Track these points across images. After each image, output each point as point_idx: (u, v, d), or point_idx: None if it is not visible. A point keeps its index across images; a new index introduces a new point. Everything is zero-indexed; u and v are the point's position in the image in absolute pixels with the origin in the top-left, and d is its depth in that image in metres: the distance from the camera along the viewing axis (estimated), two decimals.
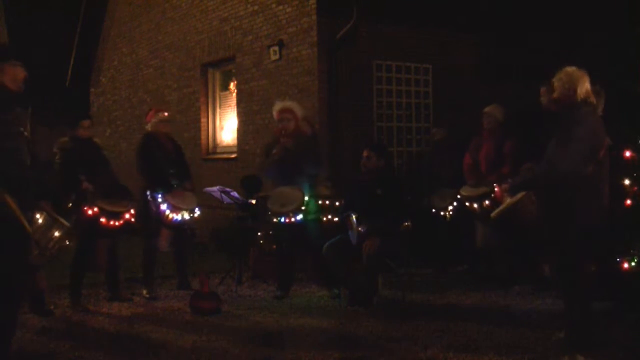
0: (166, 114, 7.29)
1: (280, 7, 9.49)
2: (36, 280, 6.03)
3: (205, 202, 7.85)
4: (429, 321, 5.74)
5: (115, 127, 14.06)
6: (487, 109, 7.40)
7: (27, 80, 4.67)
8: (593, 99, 4.76)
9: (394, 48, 9.49)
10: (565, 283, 4.79)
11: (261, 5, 9.88)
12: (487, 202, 6.90)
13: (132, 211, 6.49)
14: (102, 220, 6.25)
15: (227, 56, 10.74)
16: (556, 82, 4.80)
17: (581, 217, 4.63)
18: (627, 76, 6.90)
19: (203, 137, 11.39)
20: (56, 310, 6.33)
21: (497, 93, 8.48)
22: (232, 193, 7.59)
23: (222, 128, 11.39)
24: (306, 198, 6.65)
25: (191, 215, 6.95)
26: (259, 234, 7.78)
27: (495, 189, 6.67)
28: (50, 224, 5.11)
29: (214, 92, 11.48)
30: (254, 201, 7.79)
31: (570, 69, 4.78)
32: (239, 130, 10.54)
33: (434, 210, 7.73)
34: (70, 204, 6.22)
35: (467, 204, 7.21)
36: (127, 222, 6.45)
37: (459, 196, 7.34)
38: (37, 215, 4.95)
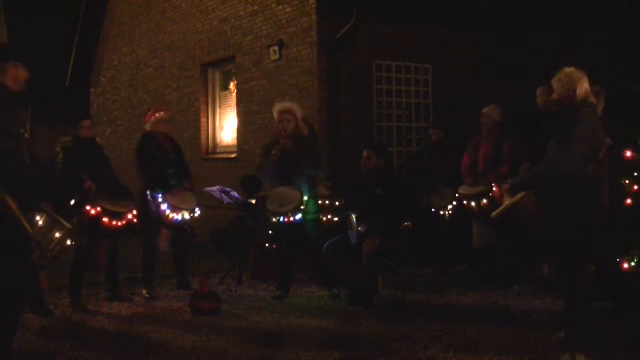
0: (164, 113, 7.29)
1: (280, 7, 9.49)
2: (37, 281, 6.03)
3: (205, 202, 7.85)
4: (429, 321, 5.74)
5: (115, 127, 14.06)
6: (485, 110, 7.41)
7: (28, 81, 4.67)
8: (593, 99, 4.76)
9: (394, 48, 9.49)
10: (565, 283, 4.79)
11: (261, 5, 9.88)
12: (485, 201, 6.92)
13: (135, 212, 6.49)
14: (105, 220, 6.25)
15: (227, 56, 10.74)
16: (555, 83, 4.80)
17: (581, 217, 4.63)
18: (627, 76, 6.90)
19: (203, 137, 11.39)
20: (56, 310, 6.33)
21: (497, 93, 8.49)
22: (232, 193, 7.59)
23: (222, 128, 11.39)
24: (305, 198, 6.66)
25: (191, 215, 6.95)
26: (259, 234, 7.77)
27: (494, 188, 6.69)
28: (51, 225, 5.11)
29: (214, 92, 11.48)
30: (254, 201, 7.79)
31: (570, 69, 4.78)
32: (239, 130, 10.54)
33: (433, 210, 7.73)
34: (73, 203, 6.22)
35: (464, 202, 7.22)
36: (129, 222, 6.46)
37: (457, 195, 7.34)
38: (38, 217, 4.95)
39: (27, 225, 4.43)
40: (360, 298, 6.26)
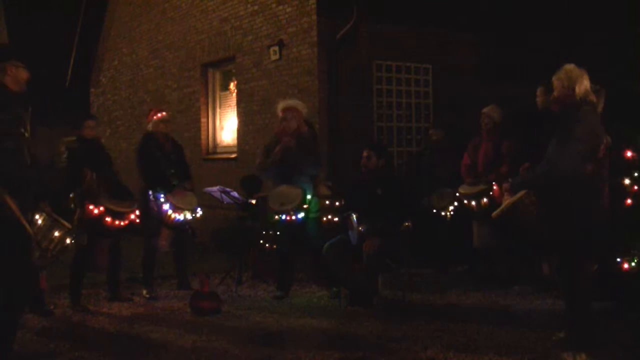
0: (165, 114, 7.29)
1: (280, 7, 9.49)
2: (37, 281, 6.03)
3: (205, 202, 7.85)
4: (429, 321, 5.74)
5: (115, 127, 14.06)
6: (485, 110, 7.42)
7: (29, 81, 4.67)
8: (592, 98, 4.73)
9: (394, 48, 9.49)
10: (565, 283, 4.79)
11: (261, 5, 9.88)
12: (485, 200, 6.91)
13: (137, 212, 6.50)
14: (107, 219, 6.25)
15: (227, 56, 10.75)
16: (555, 80, 4.79)
17: (580, 217, 4.63)
18: (627, 76, 6.90)
19: (203, 137, 11.40)
20: (56, 310, 6.33)
21: (497, 93, 8.48)
22: (232, 193, 7.59)
23: (222, 128, 11.39)
24: (308, 197, 6.66)
25: (193, 215, 6.96)
26: (259, 234, 7.77)
27: (494, 187, 6.69)
28: (51, 225, 5.11)
29: (214, 92, 11.48)
30: (254, 201, 7.79)
31: (569, 66, 4.77)
32: (239, 130, 10.54)
33: (434, 210, 7.73)
34: (72, 200, 6.22)
35: (465, 202, 7.21)
36: (131, 222, 6.46)
37: (457, 194, 7.34)
38: (37, 217, 4.95)
39: (27, 225, 4.43)
40: (360, 298, 6.25)
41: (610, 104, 5.29)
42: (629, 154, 5.64)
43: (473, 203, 7.11)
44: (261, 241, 7.74)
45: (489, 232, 7.06)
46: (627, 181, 5.60)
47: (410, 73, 9.72)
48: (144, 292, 6.95)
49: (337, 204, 7.28)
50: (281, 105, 7.06)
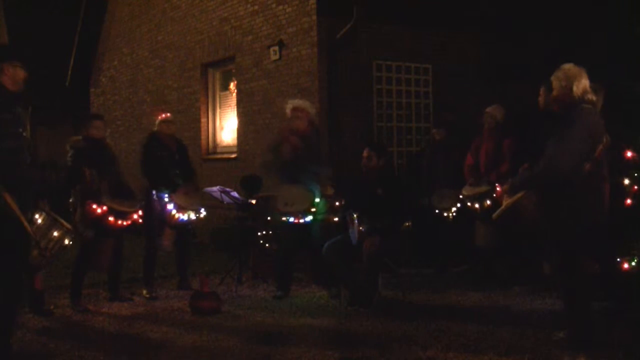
0: (167, 115, 7.29)
1: (280, 7, 9.49)
2: (33, 281, 6.03)
3: (206, 202, 7.84)
4: (429, 321, 5.73)
5: (115, 127, 14.06)
6: (488, 109, 7.42)
7: (27, 81, 4.68)
8: (591, 97, 4.70)
9: (394, 48, 9.49)
10: (565, 283, 4.78)
11: (261, 5, 9.88)
12: (488, 201, 6.90)
13: (140, 212, 6.50)
14: (110, 219, 6.26)
15: (227, 56, 10.75)
16: (554, 80, 4.78)
17: (578, 216, 4.61)
18: (627, 76, 6.90)
19: (203, 137, 11.40)
20: (56, 310, 6.33)
21: (497, 93, 8.49)
22: (232, 193, 7.59)
23: (222, 128, 11.40)
24: (317, 200, 6.67)
25: (197, 215, 6.97)
26: (259, 234, 7.77)
27: (497, 188, 6.68)
28: (50, 224, 5.12)
29: (214, 92, 11.49)
30: (254, 201, 7.79)
31: (568, 65, 4.76)
32: (239, 130, 10.55)
33: (437, 210, 7.71)
34: (75, 196, 6.22)
35: (468, 203, 7.21)
36: (134, 222, 6.46)
37: (460, 196, 7.33)
38: (37, 216, 4.96)
39: (26, 224, 4.44)
40: (360, 298, 6.26)
41: (610, 104, 5.29)
42: (629, 154, 5.64)
43: (476, 205, 7.09)
44: (261, 241, 7.74)
45: (492, 233, 7.06)
46: (627, 181, 5.60)
47: (410, 73, 9.72)
48: (144, 292, 6.96)
49: (337, 204, 7.28)
50: (290, 104, 7.06)
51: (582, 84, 4.69)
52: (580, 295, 4.74)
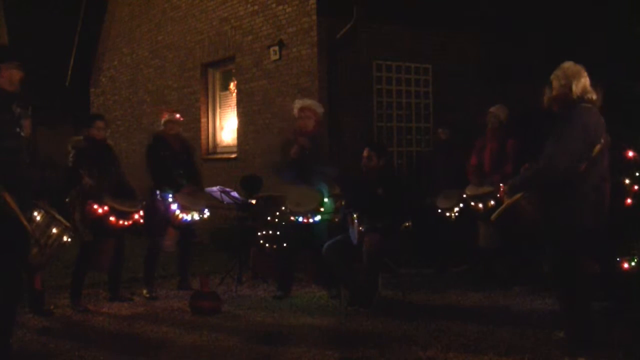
0: (172, 115, 7.27)
1: (280, 7, 9.49)
2: (35, 281, 6.03)
3: (206, 202, 7.85)
4: (429, 321, 5.74)
5: (115, 127, 14.04)
6: (492, 109, 7.42)
7: (24, 80, 4.69)
8: (591, 96, 4.66)
9: (394, 48, 9.49)
10: (564, 283, 4.77)
11: (261, 5, 9.88)
12: (492, 202, 6.88)
13: (141, 212, 6.50)
14: (112, 219, 6.26)
15: (227, 56, 10.75)
16: (553, 79, 4.77)
17: (576, 216, 4.59)
18: (627, 76, 6.90)
19: (203, 137, 11.40)
20: (56, 310, 6.33)
21: (497, 93, 8.49)
22: (232, 193, 7.59)
23: (222, 128, 11.40)
24: (325, 200, 6.66)
25: (200, 215, 6.97)
26: (259, 234, 7.77)
27: (501, 188, 6.68)
28: (48, 222, 5.12)
29: (214, 92, 11.49)
30: (254, 201, 7.79)
31: (567, 64, 4.73)
32: (239, 130, 10.55)
33: (439, 210, 7.70)
34: (72, 198, 6.22)
35: (472, 203, 7.19)
36: (135, 222, 6.46)
37: (464, 196, 7.32)
38: (35, 214, 4.96)
39: (26, 223, 4.45)
40: (360, 298, 6.26)
41: (610, 104, 5.28)
42: (630, 153, 5.63)
43: (480, 205, 7.08)
44: (261, 241, 7.74)
45: (493, 233, 7.05)
46: (627, 181, 5.59)
47: (410, 73, 9.72)
48: (144, 291, 6.96)
49: (336, 204, 7.27)
50: (297, 104, 7.05)
51: (582, 82, 4.66)
52: (580, 295, 4.73)
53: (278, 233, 7.45)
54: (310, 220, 6.61)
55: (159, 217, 6.84)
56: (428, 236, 7.91)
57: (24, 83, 4.68)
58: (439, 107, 9.74)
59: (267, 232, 7.62)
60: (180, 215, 6.82)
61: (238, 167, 10.26)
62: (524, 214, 4.92)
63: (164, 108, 10.59)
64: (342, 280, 6.51)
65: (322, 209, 6.65)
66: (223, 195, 7.55)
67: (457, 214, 7.59)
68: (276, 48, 9.47)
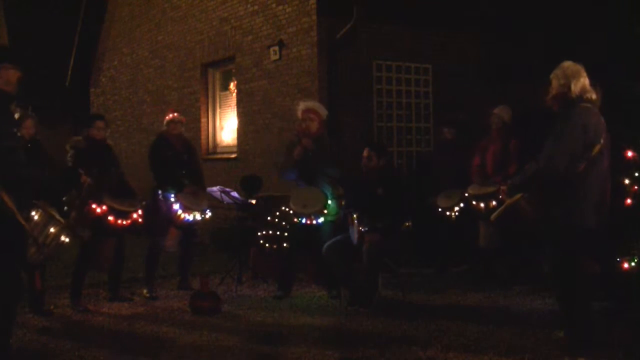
0: (175, 115, 7.26)
1: (280, 7, 9.49)
2: (34, 281, 6.03)
3: (207, 202, 7.85)
4: (429, 321, 5.74)
5: (115, 127, 14.04)
6: (495, 110, 7.42)
7: (24, 81, 4.70)
8: (591, 95, 4.65)
9: (394, 48, 9.49)
10: (564, 283, 4.77)
11: (261, 5, 9.88)
12: (493, 202, 6.88)
13: (140, 212, 6.50)
14: (111, 218, 6.26)
15: (227, 56, 10.75)
16: (553, 78, 4.76)
17: (575, 216, 4.59)
18: (627, 76, 6.90)
19: (203, 137, 11.39)
20: (56, 310, 6.33)
21: (497, 93, 8.48)
22: (232, 193, 7.59)
23: (222, 128, 11.40)
24: (329, 201, 6.66)
25: (202, 216, 6.97)
26: (259, 234, 7.77)
27: (501, 189, 6.67)
28: (46, 221, 5.13)
29: (214, 92, 11.48)
30: (254, 201, 7.79)
31: (566, 63, 4.73)
32: (239, 130, 10.55)
33: (440, 209, 7.69)
34: (70, 197, 6.22)
35: (473, 202, 7.17)
36: (134, 222, 6.46)
37: (466, 195, 7.30)
38: (33, 213, 4.97)
39: (23, 222, 4.45)
40: (360, 298, 6.26)
41: (610, 104, 5.28)
42: (629, 153, 5.62)
43: (482, 204, 7.06)
44: (261, 241, 7.74)
45: (494, 233, 7.05)
46: (627, 181, 5.59)
47: (410, 73, 9.72)
48: (145, 291, 6.96)
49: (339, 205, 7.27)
50: (301, 106, 7.06)
51: (581, 82, 4.65)
52: (580, 295, 4.73)
53: (278, 233, 7.46)
54: (314, 222, 6.61)
55: (161, 217, 6.85)
56: (428, 236, 7.90)
57: (23, 83, 4.69)
58: (439, 107, 9.74)
59: (267, 232, 7.63)
60: (182, 215, 6.82)
61: (238, 167, 10.26)
62: (524, 214, 4.92)
63: (165, 108, 10.61)
64: (342, 280, 6.51)
65: (325, 211, 6.65)
66: (223, 195, 7.55)
67: (457, 213, 7.58)
68: (276, 48, 9.47)
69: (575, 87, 4.63)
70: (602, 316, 5.33)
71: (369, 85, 9.37)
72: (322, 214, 6.64)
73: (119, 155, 7.23)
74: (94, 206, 6.21)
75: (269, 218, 7.74)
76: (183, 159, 7.12)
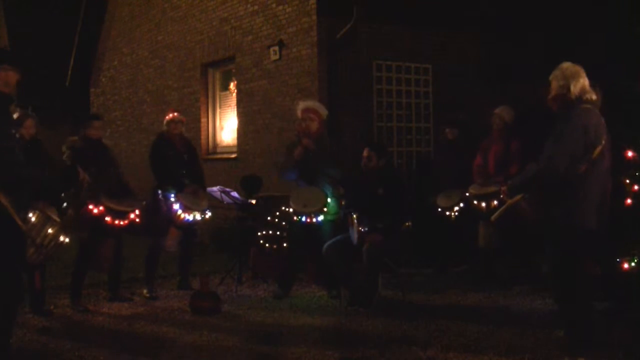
0: (175, 114, 7.26)
1: (280, 7, 9.49)
2: (34, 280, 6.03)
3: (208, 202, 7.85)
4: (429, 321, 5.74)
5: (115, 127, 14.06)
6: (496, 110, 7.41)
7: (24, 81, 4.70)
8: (590, 96, 4.64)
9: (394, 48, 9.49)
10: (564, 283, 4.77)
11: (261, 5, 9.88)
12: (495, 202, 6.87)
13: (137, 212, 6.49)
14: (108, 219, 6.26)
15: (227, 56, 10.75)
16: (552, 79, 4.75)
17: (576, 217, 4.59)
18: (627, 76, 6.89)
19: (203, 137, 11.39)
20: (56, 310, 6.34)
21: (498, 93, 8.48)
22: (232, 193, 7.59)
23: (222, 128, 11.40)
24: (329, 200, 6.66)
25: (202, 216, 6.97)
26: (259, 234, 7.78)
27: (502, 189, 6.67)
28: (44, 222, 5.13)
29: (214, 92, 11.48)
30: (254, 201, 7.79)
31: (566, 64, 4.72)
32: (239, 130, 10.55)
33: (440, 209, 7.69)
34: (67, 195, 6.21)
35: (475, 202, 7.16)
36: (132, 222, 6.46)
37: (467, 194, 7.29)
38: (31, 214, 4.97)
39: (21, 223, 4.45)
40: (360, 298, 6.26)
41: (610, 104, 5.28)
42: (630, 153, 5.62)
43: (483, 204, 7.05)
44: (261, 241, 7.74)
45: (495, 233, 7.04)
46: (627, 181, 5.58)
47: (410, 73, 9.71)
48: (145, 291, 6.96)
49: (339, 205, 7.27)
50: (301, 105, 7.05)
51: (580, 83, 4.64)
52: (581, 295, 4.73)
53: (278, 233, 7.46)
54: (314, 220, 6.61)
55: (161, 217, 6.85)
56: (428, 236, 7.90)
57: (23, 83, 4.69)
58: (439, 107, 9.74)
59: (267, 232, 7.63)
60: (182, 215, 6.82)
61: (238, 167, 10.26)
62: (525, 215, 4.92)
63: (165, 108, 10.61)
64: (342, 280, 6.51)
65: (325, 210, 6.65)
66: (223, 195, 7.55)
67: (457, 213, 7.58)
68: (276, 48, 9.47)
69: (575, 88, 4.62)
70: (602, 316, 5.32)
71: (369, 85, 9.36)
72: (323, 213, 6.64)
73: (118, 155, 7.24)
74: (91, 207, 6.21)
75: (269, 218, 7.75)
76: (183, 159, 7.13)
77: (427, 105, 9.85)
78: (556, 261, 4.78)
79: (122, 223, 6.36)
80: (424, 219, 7.60)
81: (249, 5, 10.14)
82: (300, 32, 9.15)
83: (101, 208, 6.24)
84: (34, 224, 5.02)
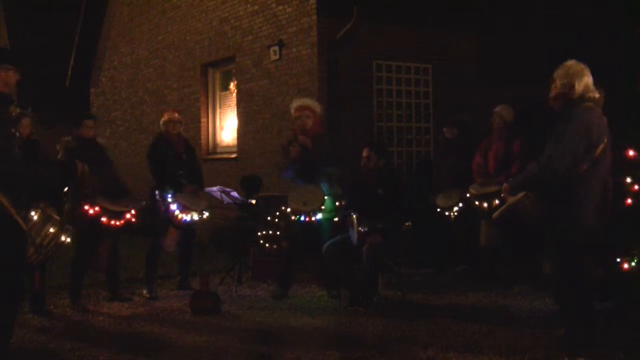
0: (173, 115, 7.26)
1: (280, 7, 9.49)
2: (34, 280, 6.03)
3: (206, 202, 7.85)
4: (429, 321, 5.74)
5: (115, 127, 14.07)
6: (496, 109, 7.39)
7: (24, 81, 4.70)
8: (594, 95, 4.62)
9: (394, 48, 9.49)
10: (565, 283, 4.76)
11: (261, 5, 9.88)
12: (496, 201, 6.86)
13: (133, 211, 6.49)
14: (104, 219, 6.25)
15: (227, 56, 10.75)
16: (556, 77, 4.73)
17: (577, 217, 4.59)
18: (627, 76, 6.90)
19: (203, 137, 11.40)
20: (56, 310, 6.34)
21: (498, 93, 8.48)
22: (232, 193, 7.59)
23: (222, 128, 11.40)
24: (326, 197, 6.67)
25: (200, 216, 6.97)
26: (259, 234, 7.78)
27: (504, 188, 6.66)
28: (44, 221, 5.13)
29: (214, 92, 11.48)
30: (254, 201, 7.79)
31: (570, 62, 4.69)
32: (239, 130, 10.55)
33: (439, 209, 7.68)
34: (66, 190, 6.20)
35: (476, 202, 7.15)
36: (128, 222, 6.46)
37: (468, 195, 7.28)
38: (32, 213, 4.97)
39: (21, 223, 4.45)
40: (360, 298, 6.26)
41: (610, 104, 5.27)
42: (630, 153, 5.61)
43: (484, 204, 7.04)
44: (261, 241, 7.74)
45: (495, 233, 7.04)
46: (628, 180, 5.58)
47: (410, 73, 9.72)
48: (144, 291, 6.96)
49: (337, 204, 7.27)
50: (295, 103, 7.05)
51: (584, 81, 4.61)
52: (581, 295, 4.73)
53: (278, 233, 7.46)
54: (313, 219, 6.61)
55: (160, 217, 6.85)
56: (428, 236, 7.90)
57: (23, 83, 4.69)
58: (439, 107, 9.74)
59: (267, 232, 7.63)
60: (180, 216, 6.82)
61: (238, 167, 10.26)
62: (526, 214, 4.91)
63: (165, 108, 10.60)
64: (342, 280, 6.51)
65: (323, 208, 6.65)
66: (223, 195, 7.55)
67: (456, 213, 7.57)
68: (276, 48, 9.47)
69: (579, 86, 4.58)
70: (602, 316, 5.33)
71: (369, 85, 9.36)
72: (320, 211, 6.63)
73: (118, 155, 7.23)
74: (86, 207, 6.20)
75: (269, 218, 7.74)
76: (182, 159, 7.12)
77: (427, 105, 9.85)
78: (557, 261, 4.78)
79: (117, 223, 6.35)
80: (424, 219, 7.59)
81: (249, 5, 10.14)
82: (300, 32, 9.15)
83: (97, 208, 6.23)
84: (34, 223, 5.01)
